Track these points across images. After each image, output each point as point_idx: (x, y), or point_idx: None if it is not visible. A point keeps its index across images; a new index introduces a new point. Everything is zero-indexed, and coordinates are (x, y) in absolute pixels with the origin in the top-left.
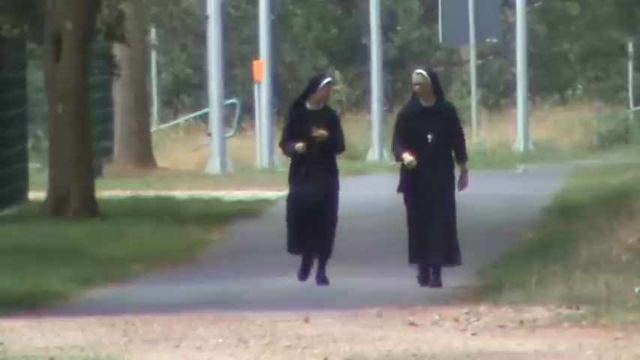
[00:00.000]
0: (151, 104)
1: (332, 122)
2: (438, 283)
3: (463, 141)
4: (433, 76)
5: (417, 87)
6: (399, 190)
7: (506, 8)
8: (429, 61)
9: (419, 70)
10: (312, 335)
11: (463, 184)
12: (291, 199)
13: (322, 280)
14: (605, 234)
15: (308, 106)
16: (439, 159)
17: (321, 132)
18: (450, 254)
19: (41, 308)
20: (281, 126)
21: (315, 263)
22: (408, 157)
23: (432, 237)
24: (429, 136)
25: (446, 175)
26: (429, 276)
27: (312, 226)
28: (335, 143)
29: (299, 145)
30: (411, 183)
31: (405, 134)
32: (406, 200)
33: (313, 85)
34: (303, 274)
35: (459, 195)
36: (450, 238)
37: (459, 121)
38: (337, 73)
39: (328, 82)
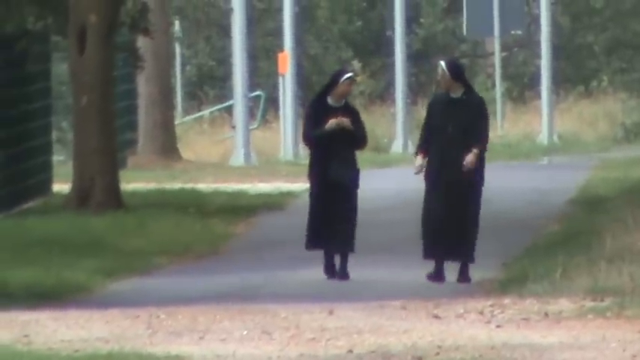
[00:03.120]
0: (175, 97)
1: (353, 119)
2: (465, 279)
3: (485, 131)
4: (454, 68)
5: (439, 78)
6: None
7: (530, 0)
8: (452, 53)
9: (440, 62)
10: (336, 327)
11: (468, 160)
12: (313, 193)
13: (343, 275)
14: (629, 226)
15: (329, 101)
16: (461, 151)
17: (344, 119)
18: (464, 250)
19: (65, 300)
20: None
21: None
22: (418, 161)
23: (451, 231)
24: (450, 128)
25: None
26: (442, 272)
27: (330, 220)
28: (357, 137)
29: (331, 123)
30: (433, 175)
31: (428, 125)
32: (426, 192)
33: (334, 79)
34: (328, 270)
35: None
36: (469, 235)
37: (484, 115)
38: (357, 64)
39: (349, 77)
